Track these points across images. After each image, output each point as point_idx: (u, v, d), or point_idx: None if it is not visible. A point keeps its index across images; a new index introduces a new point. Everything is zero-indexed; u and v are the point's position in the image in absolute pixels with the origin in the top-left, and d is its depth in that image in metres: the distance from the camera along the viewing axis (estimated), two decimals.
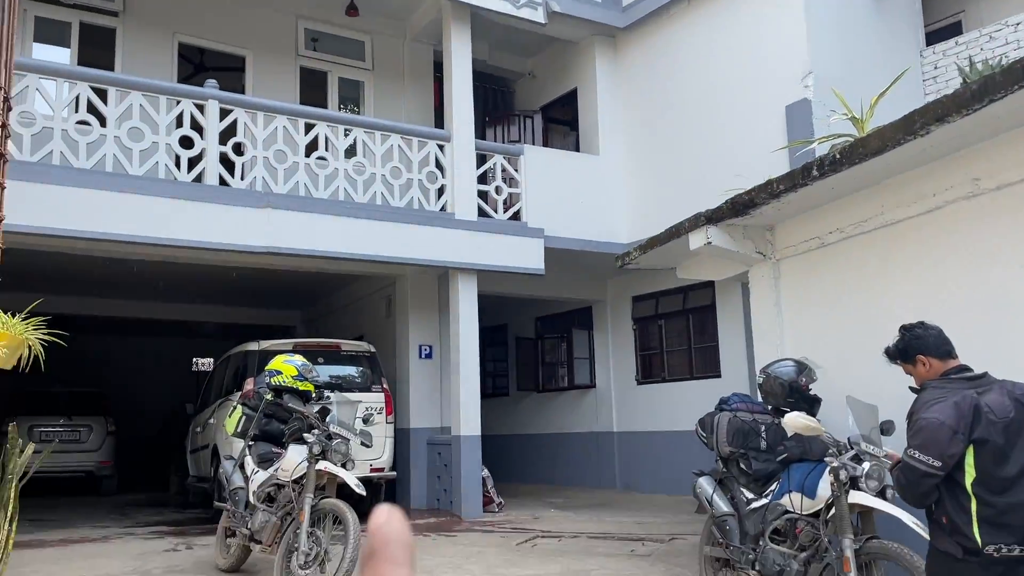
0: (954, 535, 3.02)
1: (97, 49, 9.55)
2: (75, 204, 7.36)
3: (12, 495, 4.22)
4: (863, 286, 5.32)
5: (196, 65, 10.78)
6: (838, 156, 4.75)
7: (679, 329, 11.06)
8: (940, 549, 3.12)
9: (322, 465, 5.42)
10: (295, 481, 5.59)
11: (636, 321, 11.65)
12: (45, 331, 4.06)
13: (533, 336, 13.38)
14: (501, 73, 12.17)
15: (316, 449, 5.44)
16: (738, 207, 5.66)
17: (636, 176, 10.62)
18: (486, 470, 9.39)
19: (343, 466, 5.59)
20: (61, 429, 12.55)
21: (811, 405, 4.73)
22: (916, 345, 3.39)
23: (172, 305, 13.76)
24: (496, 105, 12.24)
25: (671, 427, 10.89)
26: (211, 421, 9.59)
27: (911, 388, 3.42)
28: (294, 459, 5.61)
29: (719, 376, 10.32)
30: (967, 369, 3.28)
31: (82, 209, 7.38)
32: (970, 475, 3.00)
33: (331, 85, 10.66)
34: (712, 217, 5.91)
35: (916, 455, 3.06)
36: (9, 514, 4.20)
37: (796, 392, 4.74)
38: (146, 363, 17.76)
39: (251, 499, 5.93)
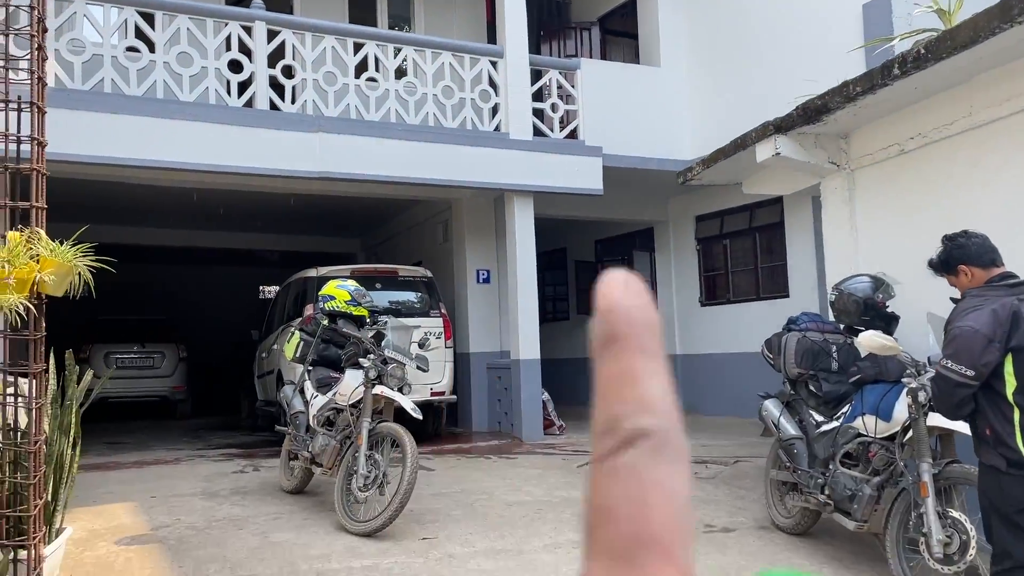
0: (998, 447, 2.92)
1: None
2: (127, 132, 7.34)
3: (74, 420, 4.28)
4: (946, 195, 4.92)
5: None
6: (923, 51, 4.32)
7: (745, 248, 10.67)
8: (987, 464, 3.02)
9: (378, 389, 5.39)
10: (353, 405, 5.58)
11: (700, 241, 11.29)
12: (93, 258, 4.02)
13: (593, 259, 13.14)
14: None
15: (372, 374, 5.40)
16: (810, 113, 5.26)
17: (699, 88, 10.11)
18: (546, 393, 9.34)
19: (399, 390, 5.55)
20: (135, 356, 12.97)
21: (888, 323, 4.44)
22: (958, 255, 3.24)
23: (237, 234, 13.93)
24: (551, 17, 11.74)
25: (736, 349, 10.63)
26: (275, 347, 9.73)
27: (951, 299, 3.22)
28: (351, 384, 5.59)
29: (787, 296, 9.96)
30: (1012, 276, 3.08)
31: (134, 137, 7.36)
32: (1011, 384, 2.87)
33: (380, 2, 10.33)
34: (781, 126, 5.52)
35: (949, 364, 2.97)
36: (72, 438, 4.27)
37: (872, 309, 4.44)
38: (215, 291, 18.18)
39: (311, 423, 5.97)
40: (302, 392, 6.32)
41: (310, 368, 6.28)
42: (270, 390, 10.13)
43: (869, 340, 3.97)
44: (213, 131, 7.67)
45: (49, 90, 7.32)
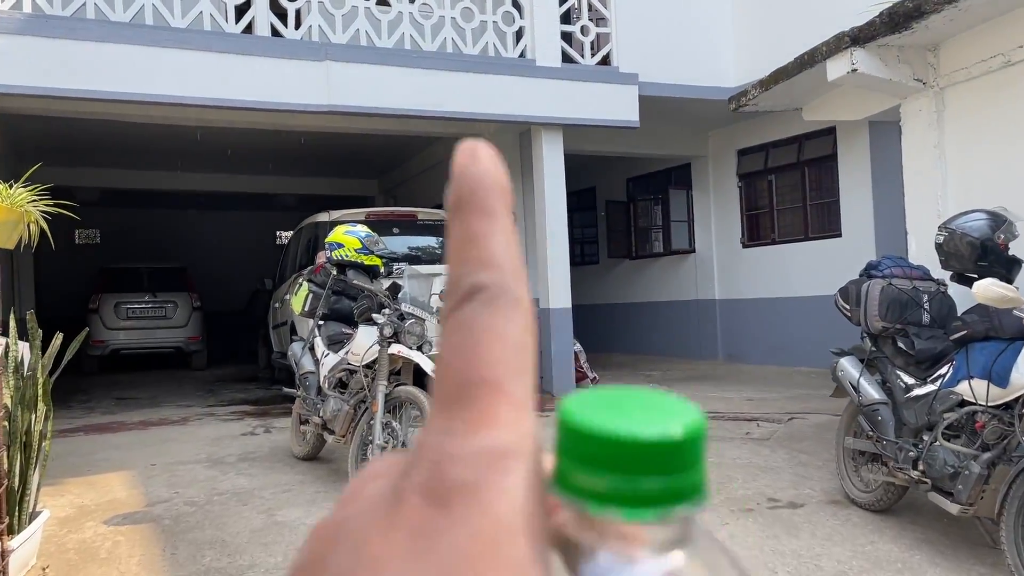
0: None
1: None
2: (113, 62, 6.63)
3: (41, 392, 3.68)
4: None
5: None
6: None
7: (792, 184, 9.82)
8: None
9: (395, 349, 4.75)
10: (367, 366, 4.96)
11: (742, 177, 10.44)
12: (50, 202, 3.36)
13: (624, 199, 12.33)
14: None
15: (387, 331, 4.75)
16: (897, 19, 4.43)
17: (744, 5, 9.14)
18: (578, 344, 8.69)
19: (419, 349, 4.91)
20: (147, 305, 12.47)
21: (1008, 269, 3.68)
22: None
23: (248, 177, 13.27)
24: None
25: (781, 293, 9.89)
26: (287, 297, 9.13)
27: None
28: (364, 342, 4.96)
29: (839, 235, 9.16)
30: None
31: (121, 68, 6.65)
32: None
33: None
34: (860, 37, 4.69)
35: None
36: (40, 414, 3.68)
37: (991, 253, 3.68)
38: (229, 238, 17.64)
39: (322, 384, 5.36)
40: (312, 350, 5.71)
41: (320, 323, 5.65)
42: (284, 341, 9.57)
43: (987, 289, 3.24)
44: (209, 61, 6.94)
45: (25, 16, 6.63)
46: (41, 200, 3.34)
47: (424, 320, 5.00)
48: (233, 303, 15.76)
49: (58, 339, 3.99)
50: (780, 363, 9.89)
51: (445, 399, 0.22)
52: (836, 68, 4.85)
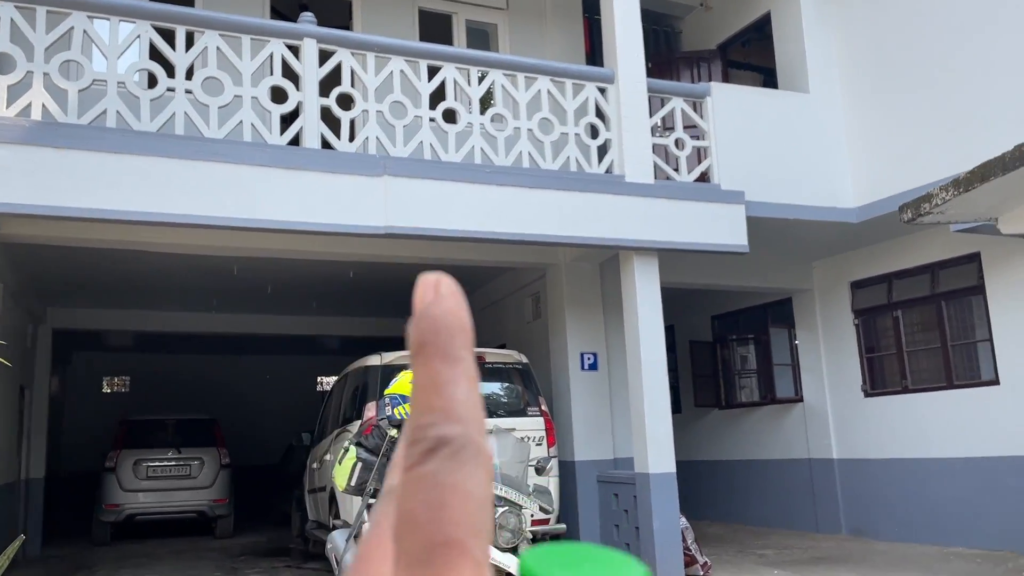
0: None
1: None
2: (137, 177, 5.54)
3: None
4: None
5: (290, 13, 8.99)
6: None
7: (926, 322, 8.28)
8: None
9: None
10: None
11: (858, 314, 8.94)
12: None
13: (710, 339, 10.85)
14: (663, 8, 9.77)
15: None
16: None
17: (864, 119, 7.95)
18: (684, 519, 6.98)
19: (513, 551, 3.37)
20: (170, 463, 11.04)
21: None
22: None
23: (289, 317, 12.13)
24: (659, 49, 9.86)
25: (920, 453, 8.14)
26: (327, 457, 7.65)
27: None
28: None
29: (996, 383, 7.49)
30: None
31: (146, 183, 5.56)
32: None
33: (457, 30, 8.60)
34: None
35: None
36: None
37: None
38: (265, 384, 16.39)
39: None
40: (359, 540, 4.16)
41: (371, 502, 4.15)
42: (322, 510, 8.02)
43: None
44: (247, 175, 5.84)
45: (34, 124, 5.63)
46: None
47: (521, 508, 3.48)
48: (267, 456, 14.28)
49: (18, 542, 2.59)
50: (923, 540, 8.00)
51: (412, 559, 0.22)
52: None
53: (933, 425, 8.04)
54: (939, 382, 8.07)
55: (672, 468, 6.84)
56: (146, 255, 7.70)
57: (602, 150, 7.26)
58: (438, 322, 0.25)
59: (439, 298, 0.25)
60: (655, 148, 7.30)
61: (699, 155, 7.52)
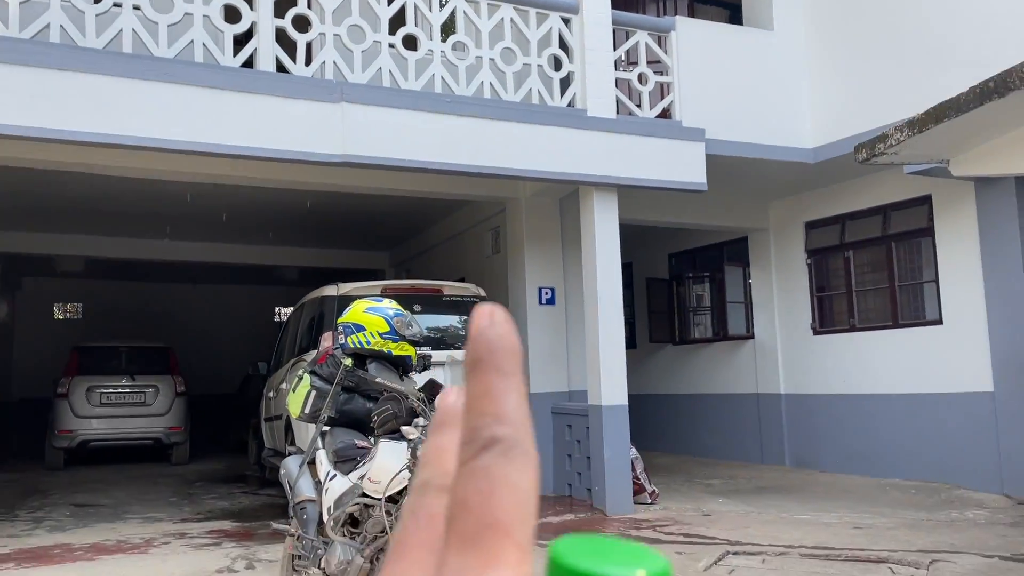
0: None
1: None
2: (83, 96, 5.35)
3: None
4: None
5: None
6: None
7: (876, 262, 8.46)
8: None
9: None
10: (391, 499, 3.47)
11: (811, 253, 9.10)
12: None
13: (667, 276, 10.98)
14: None
15: (422, 451, 3.28)
16: None
17: (825, 59, 7.95)
18: (634, 450, 7.17)
19: None
20: (124, 390, 10.96)
21: None
22: None
23: (245, 247, 11.98)
24: None
25: (864, 389, 8.42)
26: (283, 386, 7.66)
27: None
28: (387, 465, 3.49)
29: (939, 323, 7.74)
30: None
31: (92, 103, 5.37)
32: None
33: None
34: None
35: None
36: None
37: None
38: (222, 314, 16.24)
39: (325, 519, 3.85)
40: (312, 466, 4.21)
41: (326, 429, 4.18)
42: (278, 438, 8.07)
43: None
44: (200, 98, 5.67)
45: None
46: None
47: None
48: (223, 386, 14.25)
49: None
50: (864, 472, 8.34)
51: (462, 538, 0.25)
52: None
53: (877, 363, 8.29)
54: (885, 321, 8.30)
55: (624, 401, 6.99)
56: (96, 179, 7.50)
57: (565, 83, 7.18)
58: (493, 343, 0.28)
59: (494, 323, 0.28)
60: (618, 83, 7.25)
61: (662, 91, 7.48)
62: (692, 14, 9.06)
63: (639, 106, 7.34)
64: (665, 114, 7.50)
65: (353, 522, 3.78)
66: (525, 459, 0.27)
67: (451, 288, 7.33)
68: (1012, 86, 3.68)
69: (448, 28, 6.91)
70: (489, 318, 0.29)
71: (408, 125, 6.27)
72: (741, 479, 8.60)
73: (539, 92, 6.92)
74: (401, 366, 3.95)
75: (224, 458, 11.91)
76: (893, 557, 5.23)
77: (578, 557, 0.25)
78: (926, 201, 7.81)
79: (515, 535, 0.25)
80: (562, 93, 7.12)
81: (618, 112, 7.20)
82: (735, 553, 5.45)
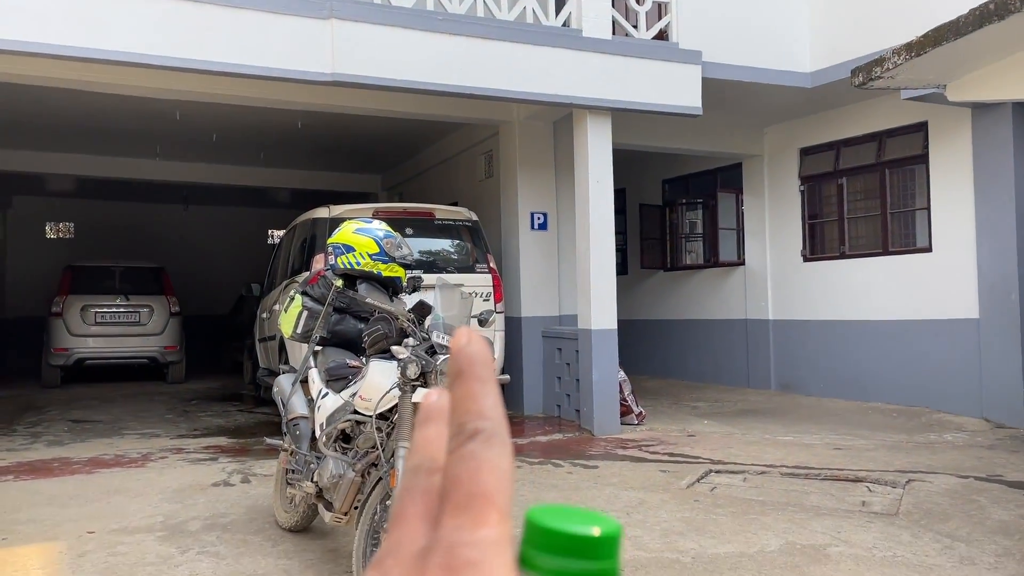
0: None
1: None
2: (64, 9, 5.22)
3: None
4: None
5: None
6: None
7: (869, 189, 8.46)
8: None
9: (421, 395, 3.32)
10: (381, 417, 3.55)
11: (805, 180, 9.08)
12: None
13: (660, 202, 10.96)
14: None
15: (412, 371, 3.35)
16: None
17: None
18: (623, 372, 7.29)
19: None
20: (118, 310, 11.02)
21: None
22: None
23: (236, 168, 11.87)
24: None
25: (851, 316, 8.52)
26: (276, 307, 7.72)
27: None
28: (378, 383, 3.55)
29: (928, 250, 7.78)
30: None
31: (74, 17, 5.25)
32: None
33: None
34: None
35: None
36: None
37: None
38: (215, 235, 16.20)
39: (318, 436, 3.95)
40: (305, 385, 4.29)
41: (318, 348, 4.25)
42: (272, 357, 8.17)
43: None
44: (185, 11, 5.54)
45: None
46: None
47: None
48: (217, 307, 14.33)
49: None
50: (847, 397, 8.52)
51: (455, 505, 0.31)
52: None
53: (865, 289, 8.37)
54: (875, 248, 8.35)
55: (613, 325, 7.07)
56: (84, 95, 7.40)
57: (560, 2, 7.02)
58: (472, 357, 0.34)
59: (471, 342, 0.35)
60: (614, 2, 7.09)
61: (659, 11, 7.33)
62: None
63: (635, 27, 7.20)
64: (662, 35, 7.37)
65: (345, 438, 3.87)
66: (503, 446, 0.33)
67: (443, 212, 7.32)
68: (1012, 8, 3.62)
69: None
70: (467, 338, 0.35)
71: (399, 44, 6.15)
72: (727, 402, 8.78)
73: (533, 11, 6.77)
74: (391, 287, 3.99)
75: (220, 379, 12.07)
76: (871, 476, 5.40)
77: (548, 519, 0.31)
78: (922, 128, 7.76)
79: (497, 502, 0.31)
80: (557, 12, 6.97)
81: (614, 33, 7.06)
82: (717, 472, 5.62)
